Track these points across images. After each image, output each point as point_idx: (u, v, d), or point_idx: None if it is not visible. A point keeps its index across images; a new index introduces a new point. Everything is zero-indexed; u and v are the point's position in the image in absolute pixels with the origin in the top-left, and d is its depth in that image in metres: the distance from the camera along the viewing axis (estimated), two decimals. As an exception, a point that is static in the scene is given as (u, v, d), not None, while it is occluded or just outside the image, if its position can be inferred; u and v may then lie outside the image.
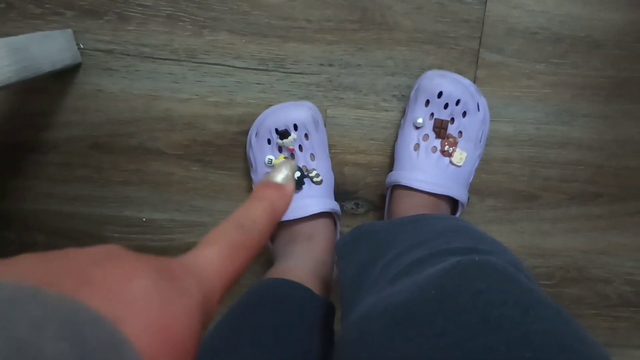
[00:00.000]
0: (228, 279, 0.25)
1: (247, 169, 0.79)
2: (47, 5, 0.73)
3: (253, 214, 0.28)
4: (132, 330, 0.19)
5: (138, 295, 0.20)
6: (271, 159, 0.73)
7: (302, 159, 0.74)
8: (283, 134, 0.72)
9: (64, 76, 0.76)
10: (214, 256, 0.25)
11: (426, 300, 0.43)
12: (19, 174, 0.81)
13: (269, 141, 0.74)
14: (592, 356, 0.37)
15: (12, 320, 0.17)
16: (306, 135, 0.73)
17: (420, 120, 0.72)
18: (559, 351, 0.36)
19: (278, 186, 0.31)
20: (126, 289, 0.20)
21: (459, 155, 0.73)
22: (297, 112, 0.73)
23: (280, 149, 0.74)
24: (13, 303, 0.17)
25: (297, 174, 0.73)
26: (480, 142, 0.75)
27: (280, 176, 0.32)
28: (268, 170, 0.74)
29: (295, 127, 0.72)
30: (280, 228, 0.77)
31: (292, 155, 0.73)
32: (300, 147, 0.73)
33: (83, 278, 0.20)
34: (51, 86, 0.76)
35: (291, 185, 0.32)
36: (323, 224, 0.76)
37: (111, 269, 0.21)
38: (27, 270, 0.20)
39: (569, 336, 0.38)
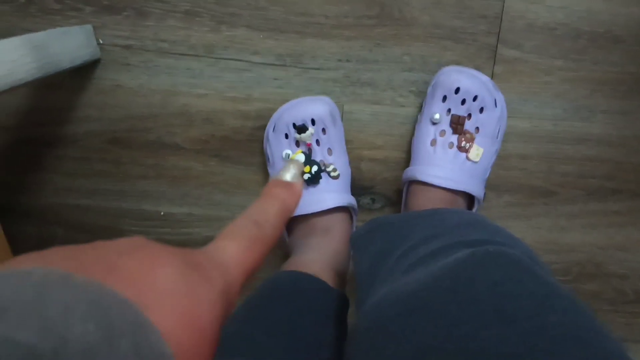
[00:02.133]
0: (247, 271, 0.26)
1: (264, 163, 0.79)
2: (67, 1, 0.74)
3: (266, 211, 0.30)
4: (157, 316, 0.20)
5: (163, 283, 0.21)
6: (289, 154, 0.74)
7: (319, 154, 0.74)
8: (301, 129, 0.72)
9: (83, 71, 0.76)
10: (234, 249, 0.26)
11: (441, 290, 0.43)
12: (38, 168, 0.82)
13: (286, 136, 0.74)
14: (607, 348, 0.37)
15: (43, 303, 0.17)
16: (324, 130, 0.73)
17: (437, 116, 0.72)
18: (574, 343, 0.36)
19: (288, 184, 0.33)
20: (152, 277, 0.21)
21: (476, 151, 0.73)
22: (315, 107, 0.73)
23: (297, 144, 0.74)
24: (44, 287, 0.18)
25: (315, 168, 0.73)
26: (497, 138, 0.75)
27: (289, 175, 0.34)
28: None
29: (313, 122, 0.72)
30: (297, 222, 0.77)
31: (310, 150, 0.73)
32: (317, 142, 0.74)
33: (110, 267, 0.21)
34: (70, 81, 0.77)
35: (300, 183, 0.33)
36: (339, 218, 0.76)
37: (137, 258, 0.21)
38: (58, 260, 0.21)
39: (584, 328, 0.38)
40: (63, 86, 0.77)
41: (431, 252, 0.52)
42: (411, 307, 0.44)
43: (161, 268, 0.21)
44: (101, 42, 0.75)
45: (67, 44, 0.68)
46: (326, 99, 0.75)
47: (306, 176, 0.73)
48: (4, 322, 0.16)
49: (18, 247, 0.72)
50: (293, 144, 0.74)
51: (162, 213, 0.83)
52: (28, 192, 0.83)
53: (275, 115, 0.75)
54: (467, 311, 0.40)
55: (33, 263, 0.21)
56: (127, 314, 0.19)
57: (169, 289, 0.21)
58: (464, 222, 0.60)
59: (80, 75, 0.77)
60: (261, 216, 0.29)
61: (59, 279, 0.19)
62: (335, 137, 0.74)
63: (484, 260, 0.45)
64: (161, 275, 0.21)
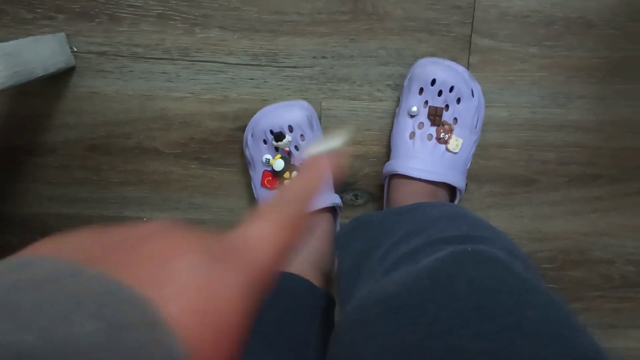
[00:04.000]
0: (283, 248, 0.25)
1: (245, 164, 0.79)
2: (39, 10, 0.74)
3: (292, 188, 0.28)
4: (171, 309, 0.19)
5: (179, 274, 0.20)
6: (268, 159, 0.73)
7: (299, 159, 0.74)
8: (278, 137, 0.72)
9: (59, 79, 0.76)
10: (267, 228, 0.25)
11: (420, 290, 0.44)
12: (18, 177, 0.81)
13: (264, 142, 0.74)
14: (584, 343, 0.37)
15: (52, 297, 0.17)
16: (302, 136, 0.73)
17: (414, 109, 0.72)
18: (551, 338, 0.37)
19: (312, 159, 0.31)
20: (168, 267, 0.20)
21: (455, 142, 0.73)
22: (292, 114, 0.72)
23: (276, 149, 0.74)
24: (54, 281, 0.18)
25: (295, 174, 0.73)
26: (476, 128, 0.75)
27: (316, 149, 0.32)
28: (266, 168, 0.74)
29: (291, 129, 0.72)
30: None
31: (289, 155, 0.73)
32: (296, 148, 0.73)
33: (129, 253, 0.20)
34: (46, 89, 0.77)
35: (325, 157, 0.31)
36: (322, 218, 0.76)
37: (157, 246, 0.21)
38: (79, 245, 0.21)
39: (561, 323, 0.39)
40: (40, 94, 0.77)
41: (411, 251, 0.52)
42: (392, 307, 0.44)
43: (180, 258, 0.21)
44: (75, 49, 0.75)
45: (39, 52, 0.68)
46: (303, 103, 0.75)
47: (286, 182, 0.73)
48: (9, 320, 0.16)
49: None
50: (272, 150, 0.74)
51: (145, 219, 0.83)
52: (9, 201, 0.83)
53: (252, 122, 0.75)
54: (446, 309, 0.41)
55: (52, 249, 0.21)
56: (136, 311, 0.18)
57: (185, 280, 0.20)
58: (445, 216, 0.60)
59: (57, 82, 0.77)
60: (288, 194, 0.28)
61: (70, 272, 0.19)
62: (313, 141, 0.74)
63: (463, 259, 0.45)
64: (178, 265, 0.20)
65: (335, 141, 0.32)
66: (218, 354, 0.20)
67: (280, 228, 0.25)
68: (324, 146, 0.32)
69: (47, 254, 0.20)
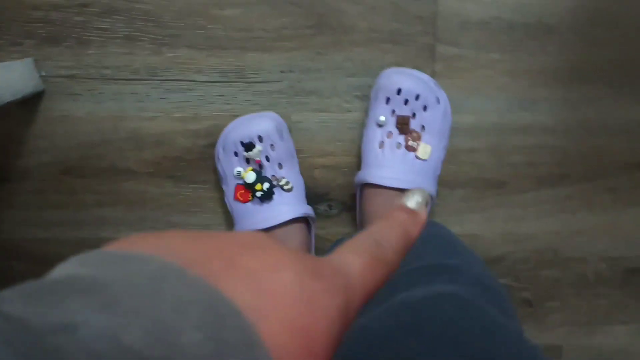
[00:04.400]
0: (368, 288, 0.24)
1: (218, 180, 0.80)
2: (6, 37, 0.74)
3: (388, 234, 0.27)
4: (269, 325, 0.18)
5: (281, 289, 0.19)
6: (240, 171, 0.74)
7: (270, 169, 0.75)
8: (248, 147, 0.73)
9: (29, 103, 0.77)
10: (357, 263, 0.24)
11: (403, 326, 0.48)
12: (-7, 204, 0.81)
13: (235, 154, 0.74)
14: None
15: (157, 300, 0.17)
16: (272, 146, 0.74)
17: (382, 118, 0.74)
18: None
19: (411, 211, 0.30)
20: (270, 280, 0.20)
21: (424, 149, 0.74)
22: (260, 124, 0.73)
23: (248, 161, 0.74)
24: (160, 281, 0.17)
25: (266, 185, 0.73)
26: (444, 134, 0.76)
27: (413, 202, 0.31)
28: (238, 181, 0.75)
29: (260, 139, 0.73)
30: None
31: (260, 166, 0.74)
32: (267, 158, 0.74)
33: (229, 262, 0.20)
34: (17, 113, 0.77)
35: (424, 212, 0.31)
36: (296, 229, 0.77)
37: (259, 258, 0.20)
38: (178, 246, 0.20)
39: (526, 356, 0.44)
40: (10, 118, 0.77)
41: (390, 283, 0.54)
42: (377, 342, 0.47)
43: (281, 272, 0.20)
44: (44, 73, 0.76)
45: (7, 77, 0.68)
46: (271, 114, 0.76)
47: (258, 194, 0.73)
48: (114, 316, 0.15)
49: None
50: (243, 162, 0.75)
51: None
52: (-15, 229, 0.83)
53: (222, 135, 0.76)
54: (427, 344, 0.44)
55: (151, 246, 0.20)
56: (241, 328, 0.17)
57: (286, 295, 0.19)
58: (420, 241, 0.61)
59: (27, 107, 0.77)
60: (384, 237, 0.27)
61: (177, 274, 0.18)
62: (284, 151, 0.75)
63: (441, 301, 0.50)
64: (280, 279, 0.20)
65: (416, 199, 0.31)
66: None
67: (367, 267, 0.24)
68: (416, 200, 0.31)
69: (150, 250, 0.20)
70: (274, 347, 0.18)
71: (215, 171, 0.80)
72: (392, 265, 0.26)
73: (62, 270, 0.18)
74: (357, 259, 0.24)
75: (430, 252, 0.59)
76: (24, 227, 0.82)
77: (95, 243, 0.83)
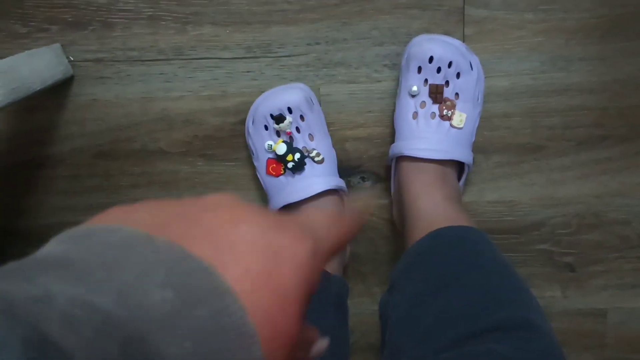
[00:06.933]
0: (333, 240, 0.26)
1: (250, 157, 0.79)
2: (32, 23, 0.74)
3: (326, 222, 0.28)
4: (233, 274, 0.19)
5: (242, 240, 0.20)
6: (271, 144, 0.74)
7: (301, 141, 0.74)
8: (278, 119, 0.72)
9: (59, 90, 0.77)
10: (320, 217, 0.26)
11: None
12: (31, 191, 0.83)
13: (265, 127, 0.74)
14: None
15: (123, 266, 0.18)
16: (302, 117, 0.73)
17: (415, 88, 0.72)
18: None
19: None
20: (231, 233, 0.21)
21: (459, 118, 0.72)
22: (289, 95, 0.73)
23: (278, 134, 0.74)
24: (125, 248, 0.19)
25: (297, 155, 0.73)
26: (478, 100, 0.74)
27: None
28: (270, 155, 0.74)
29: (290, 110, 0.72)
30: (287, 211, 0.77)
31: (291, 138, 0.73)
32: (297, 129, 0.74)
33: (192, 222, 0.21)
34: (47, 102, 0.78)
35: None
36: (328, 201, 0.76)
37: (220, 215, 0.21)
38: (144, 215, 0.22)
39: None
40: (42, 107, 0.78)
41: (458, 339, 0.52)
42: None
43: (242, 225, 0.21)
44: (72, 59, 0.76)
45: (35, 66, 0.69)
46: (300, 85, 0.75)
47: (290, 164, 0.73)
48: (87, 284, 0.17)
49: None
50: (274, 135, 0.74)
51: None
52: (26, 214, 0.84)
53: (252, 109, 0.75)
54: None
55: (120, 218, 0.21)
56: (206, 280, 0.19)
57: (247, 245, 0.20)
58: (484, 286, 0.58)
59: (57, 94, 0.77)
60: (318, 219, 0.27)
61: (141, 240, 0.19)
62: (314, 122, 0.74)
63: None
64: (240, 231, 0.21)
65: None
66: (281, 321, 0.20)
67: (332, 221, 0.26)
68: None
69: (117, 222, 0.21)
70: (240, 294, 0.19)
71: (246, 148, 0.79)
72: (347, 230, 0.28)
73: (42, 250, 0.20)
74: (320, 214, 0.26)
75: (500, 307, 0.55)
76: (64, 211, 0.84)
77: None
